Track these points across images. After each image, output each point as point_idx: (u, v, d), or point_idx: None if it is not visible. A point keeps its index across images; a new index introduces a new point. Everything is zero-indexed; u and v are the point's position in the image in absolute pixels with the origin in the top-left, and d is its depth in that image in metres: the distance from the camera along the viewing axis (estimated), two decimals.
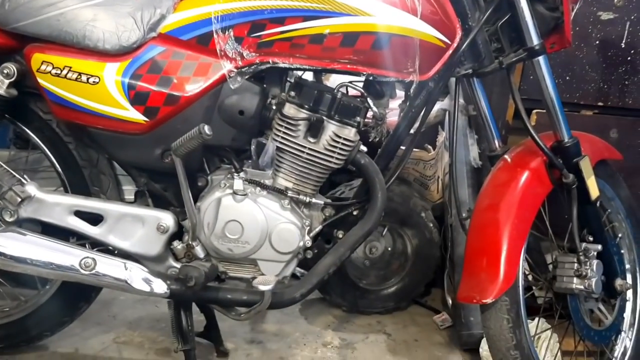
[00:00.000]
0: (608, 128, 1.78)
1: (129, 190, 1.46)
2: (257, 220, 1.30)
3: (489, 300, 1.24)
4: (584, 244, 1.37)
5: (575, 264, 1.35)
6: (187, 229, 1.31)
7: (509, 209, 1.31)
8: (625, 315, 1.53)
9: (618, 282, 1.44)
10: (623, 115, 1.80)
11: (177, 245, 1.33)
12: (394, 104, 1.48)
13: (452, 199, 1.83)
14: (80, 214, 1.32)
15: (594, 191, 1.37)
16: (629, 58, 1.77)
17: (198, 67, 1.27)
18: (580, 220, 1.36)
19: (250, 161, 1.37)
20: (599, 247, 1.37)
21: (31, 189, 1.30)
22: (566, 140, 1.34)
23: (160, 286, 1.30)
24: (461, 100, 1.94)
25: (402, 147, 1.46)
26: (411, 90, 1.36)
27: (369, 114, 1.38)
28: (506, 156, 1.40)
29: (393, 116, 1.50)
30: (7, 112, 1.36)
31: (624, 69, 1.78)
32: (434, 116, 2.09)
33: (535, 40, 1.28)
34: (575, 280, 1.35)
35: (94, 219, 1.32)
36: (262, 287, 1.26)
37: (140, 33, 1.28)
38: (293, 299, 1.31)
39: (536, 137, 1.32)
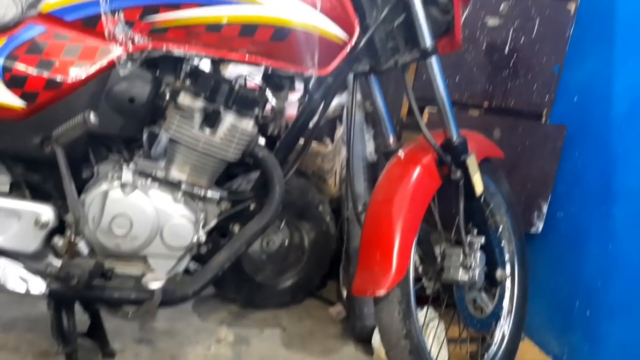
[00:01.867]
0: (492, 127, 1.88)
1: (4, 181, 1.34)
2: (147, 214, 1.24)
3: (382, 293, 1.27)
4: (469, 237, 1.44)
5: (461, 256, 1.43)
6: (70, 223, 1.22)
7: (402, 204, 1.35)
8: (504, 303, 1.64)
9: (498, 272, 1.54)
10: (505, 115, 1.92)
11: (58, 241, 1.23)
12: (293, 98, 1.47)
13: (349, 192, 1.86)
14: None
15: (479, 187, 1.44)
16: (511, 62, 1.89)
17: (83, 50, 1.19)
18: (466, 214, 1.43)
19: (141, 151, 1.30)
20: (483, 239, 1.45)
21: None
22: (455, 138, 1.40)
23: (38, 285, 1.20)
24: (359, 96, 1.96)
25: (301, 141, 1.46)
26: (310, 85, 1.36)
27: (268, 106, 1.36)
28: (400, 152, 1.44)
29: (292, 109, 1.50)
30: None
31: (507, 72, 1.90)
32: (333, 110, 2.11)
33: (428, 42, 1.33)
34: (461, 271, 1.42)
35: None
36: (151, 285, 1.20)
37: (18, 10, 1.17)
38: (185, 296, 1.27)
39: (428, 134, 1.37)
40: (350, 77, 1.48)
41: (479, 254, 1.44)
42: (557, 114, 1.94)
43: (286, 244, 1.99)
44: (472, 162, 1.42)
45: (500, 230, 1.66)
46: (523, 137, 1.89)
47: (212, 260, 1.29)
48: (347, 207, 1.99)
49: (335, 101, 2.07)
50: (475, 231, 1.48)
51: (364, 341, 1.79)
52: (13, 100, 1.16)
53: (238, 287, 1.92)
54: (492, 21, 1.85)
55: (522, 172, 1.90)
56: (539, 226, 1.95)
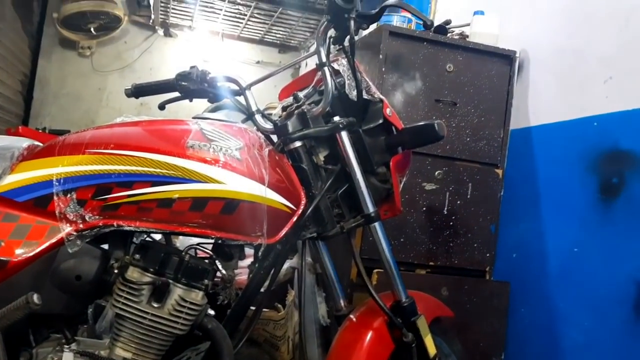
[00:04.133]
0: (439, 286, 1.93)
1: None
2: None
3: None
4: None
5: None
6: None
7: None
8: None
9: None
10: (450, 274, 1.98)
11: None
12: (244, 263, 1.49)
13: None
14: None
15: (431, 349, 1.44)
16: (450, 223, 2.00)
17: (32, 230, 1.19)
18: None
19: (85, 326, 1.25)
20: None
21: None
22: (403, 300, 1.43)
23: None
24: (309, 259, 2.01)
25: (252, 308, 1.45)
26: (260, 253, 1.39)
27: (218, 274, 1.37)
28: (351, 316, 1.45)
29: (243, 275, 1.51)
30: None
31: (447, 232, 2.00)
32: (284, 274, 2.13)
33: (370, 208, 1.41)
34: None
35: None
36: None
37: None
38: None
39: (377, 297, 1.39)
40: (299, 242, 1.53)
41: None
42: (500, 270, 2.03)
43: None
44: (422, 324, 1.44)
45: None
46: (470, 294, 1.95)
47: None
48: None
49: (286, 265, 2.09)
50: None
51: None
52: None
53: None
54: (428, 186, 2.00)
55: (473, 329, 1.92)
56: None
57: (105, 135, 1.28)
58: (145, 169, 1.23)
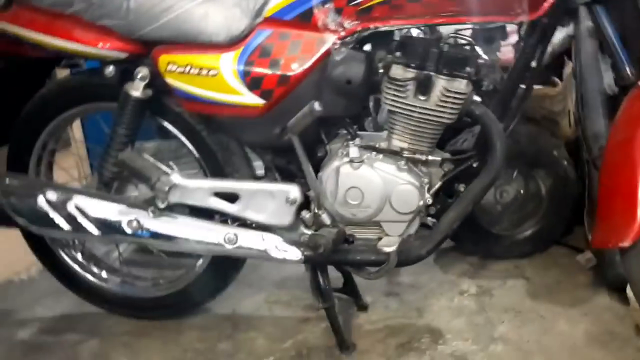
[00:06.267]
0: None
1: (260, 166, 1.58)
2: (376, 184, 1.35)
3: (626, 244, 1.18)
4: None
5: None
6: (312, 198, 1.40)
7: None
8: None
9: None
10: None
11: (306, 214, 1.42)
12: (510, 41, 1.42)
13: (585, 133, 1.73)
14: (219, 194, 1.46)
15: None
16: None
17: (304, 44, 1.33)
18: None
19: (369, 118, 1.40)
20: None
21: (175, 177, 1.44)
22: None
23: (295, 253, 1.41)
24: (588, 24, 1.78)
25: (523, 86, 1.41)
26: (522, 31, 1.30)
27: (480, 61, 1.34)
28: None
29: (508, 53, 1.44)
30: (148, 109, 1.52)
31: None
32: (559, 45, 1.94)
33: None
34: None
35: (232, 197, 1.45)
36: (387, 248, 1.32)
37: (248, 21, 1.36)
38: (419, 256, 1.36)
39: None
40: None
41: None
42: None
43: (521, 193, 1.94)
44: None
45: None
46: None
47: (441, 221, 1.35)
48: (585, 148, 1.84)
49: (561, 34, 1.90)
50: None
51: (619, 290, 1.66)
52: (255, 100, 1.36)
53: (475, 241, 1.95)
54: None
55: None
56: None
57: None
58: None
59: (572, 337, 1.56)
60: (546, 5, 1.21)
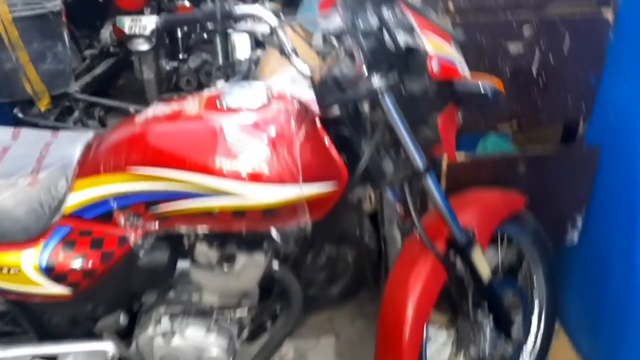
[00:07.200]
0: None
1: None
2: (188, 353, 1.49)
3: None
4: (478, 315, 1.58)
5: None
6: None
7: (414, 295, 1.49)
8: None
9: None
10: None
11: None
12: None
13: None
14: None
15: (485, 272, 1.52)
16: (540, 79, 1.76)
17: (106, 241, 1.37)
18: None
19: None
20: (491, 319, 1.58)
21: None
22: (458, 238, 1.46)
23: None
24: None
25: None
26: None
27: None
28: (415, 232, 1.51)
29: None
30: None
31: (535, 89, 1.77)
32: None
33: (419, 165, 1.35)
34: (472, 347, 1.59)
35: None
36: None
37: (46, 217, 1.35)
38: None
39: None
40: None
41: (487, 330, 1.58)
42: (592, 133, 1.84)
43: (331, 261, 2.19)
44: (477, 254, 1.49)
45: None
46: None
47: None
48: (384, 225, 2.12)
49: None
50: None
51: None
52: (61, 290, 1.39)
53: None
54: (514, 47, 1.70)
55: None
56: (574, 237, 1.97)
57: (141, 147, 1.31)
58: (184, 187, 1.28)
59: None
60: (326, 210, 1.37)
